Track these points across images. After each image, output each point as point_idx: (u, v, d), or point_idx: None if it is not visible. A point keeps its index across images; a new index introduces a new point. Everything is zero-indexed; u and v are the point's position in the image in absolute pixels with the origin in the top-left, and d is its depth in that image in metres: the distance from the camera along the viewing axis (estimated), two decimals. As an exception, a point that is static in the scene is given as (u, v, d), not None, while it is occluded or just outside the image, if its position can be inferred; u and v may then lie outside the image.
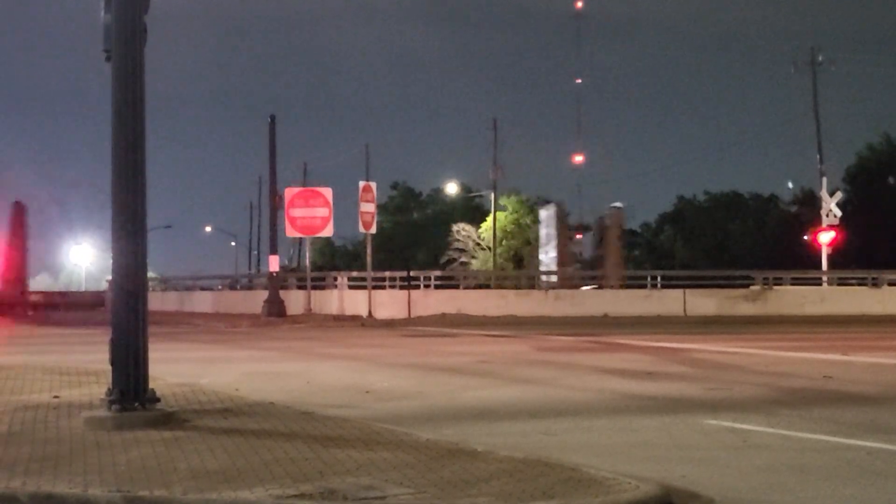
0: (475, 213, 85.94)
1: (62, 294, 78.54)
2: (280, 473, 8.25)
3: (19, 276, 56.98)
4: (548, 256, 57.76)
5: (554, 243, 57.16)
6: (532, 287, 47.56)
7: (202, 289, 53.67)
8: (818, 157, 61.83)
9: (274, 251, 41.49)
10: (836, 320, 36.88)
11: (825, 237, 50.27)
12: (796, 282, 47.36)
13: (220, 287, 54.38)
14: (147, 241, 11.14)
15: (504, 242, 76.56)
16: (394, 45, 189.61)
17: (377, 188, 42.46)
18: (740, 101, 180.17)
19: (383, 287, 42.83)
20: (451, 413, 12.79)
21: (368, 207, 40.22)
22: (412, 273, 42.82)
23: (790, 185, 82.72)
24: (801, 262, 56.53)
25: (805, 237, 54.63)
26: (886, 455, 9.89)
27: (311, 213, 41.05)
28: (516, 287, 47.81)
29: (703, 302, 41.18)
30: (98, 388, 13.15)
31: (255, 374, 17.80)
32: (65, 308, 61.39)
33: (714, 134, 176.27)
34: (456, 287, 46.95)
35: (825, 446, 10.28)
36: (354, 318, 38.46)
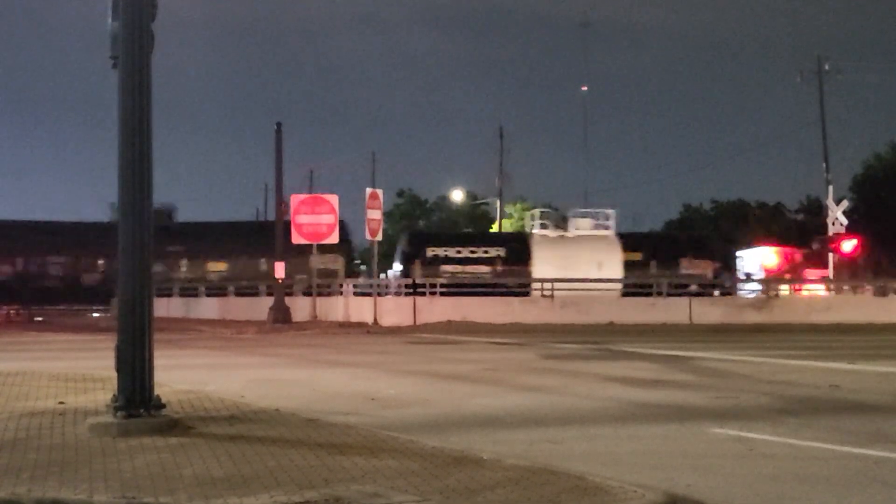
0: (481, 221, 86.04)
1: None
2: (285, 481, 8.25)
3: None
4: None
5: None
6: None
7: (208, 295, 53.66)
8: (824, 165, 61.78)
9: (280, 258, 41.48)
10: (843, 328, 36.82)
11: (848, 245, 50.06)
12: (802, 290, 47.32)
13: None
14: (153, 247, 11.15)
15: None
16: (400, 53, 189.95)
17: (383, 195, 42.47)
18: (747, 110, 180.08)
19: (389, 294, 42.85)
20: (456, 421, 12.78)
21: (375, 214, 40.24)
22: (417, 280, 42.79)
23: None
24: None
25: (814, 245, 54.46)
26: (893, 464, 9.87)
27: (316, 220, 41.06)
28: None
29: (709, 310, 41.13)
30: (103, 394, 13.16)
31: (261, 380, 17.80)
32: None
33: (720, 142, 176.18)
34: (462, 294, 46.90)
35: (831, 455, 10.26)
36: (360, 325, 38.46)
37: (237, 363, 22.23)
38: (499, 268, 49.70)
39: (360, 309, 40.52)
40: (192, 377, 17.26)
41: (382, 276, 66.85)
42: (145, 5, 11.08)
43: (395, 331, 36.45)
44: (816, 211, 67.85)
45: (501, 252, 50.88)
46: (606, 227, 52.08)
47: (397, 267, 53.86)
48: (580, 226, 52.07)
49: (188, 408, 12.50)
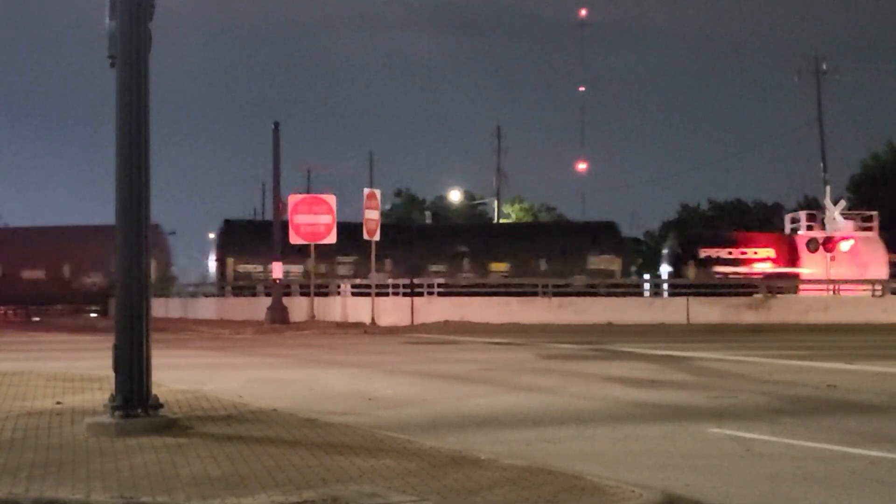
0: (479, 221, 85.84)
1: None
2: (283, 480, 8.24)
3: None
4: None
5: None
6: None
7: (206, 295, 53.67)
8: (822, 165, 61.86)
9: (278, 258, 41.47)
10: (840, 329, 36.84)
11: (846, 245, 50.18)
12: (800, 290, 47.34)
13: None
14: (150, 248, 11.14)
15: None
16: (398, 52, 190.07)
17: (380, 195, 42.45)
18: (745, 110, 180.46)
19: (387, 294, 42.82)
20: (454, 421, 12.78)
21: (373, 214, 40.22)
22: (415, 280, 42.79)
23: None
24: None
25: (810, 245, 54.46)
26: (890, 464, 9.88)
27: (314, 220, 41.04)
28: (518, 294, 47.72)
29: (707, 310, 41.14)
30: (101, 394, 13.15)
31: (259, 380, 17.80)
32: None
33: (718, 142, 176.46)
34: (459, 294, 46.89)
35: (829, 455, 10.27)
36: (358, 326, 38.44)
37: (235, 363, 22.22)
38: (768, 269, 50.06)
39: (358, 309, 40.51)
40: (190, 377, 17.25)
41: (646, 276, 66.63)
42: (143, 4, 11.07)
43: (392, 331, 36.45)
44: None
45: (771, 253, 51.24)
46: (869, 229, 52.33)
47: (665, 268, 53.87)
48: (842, 227, 52.22)
49: (186, 408, 12.50)
